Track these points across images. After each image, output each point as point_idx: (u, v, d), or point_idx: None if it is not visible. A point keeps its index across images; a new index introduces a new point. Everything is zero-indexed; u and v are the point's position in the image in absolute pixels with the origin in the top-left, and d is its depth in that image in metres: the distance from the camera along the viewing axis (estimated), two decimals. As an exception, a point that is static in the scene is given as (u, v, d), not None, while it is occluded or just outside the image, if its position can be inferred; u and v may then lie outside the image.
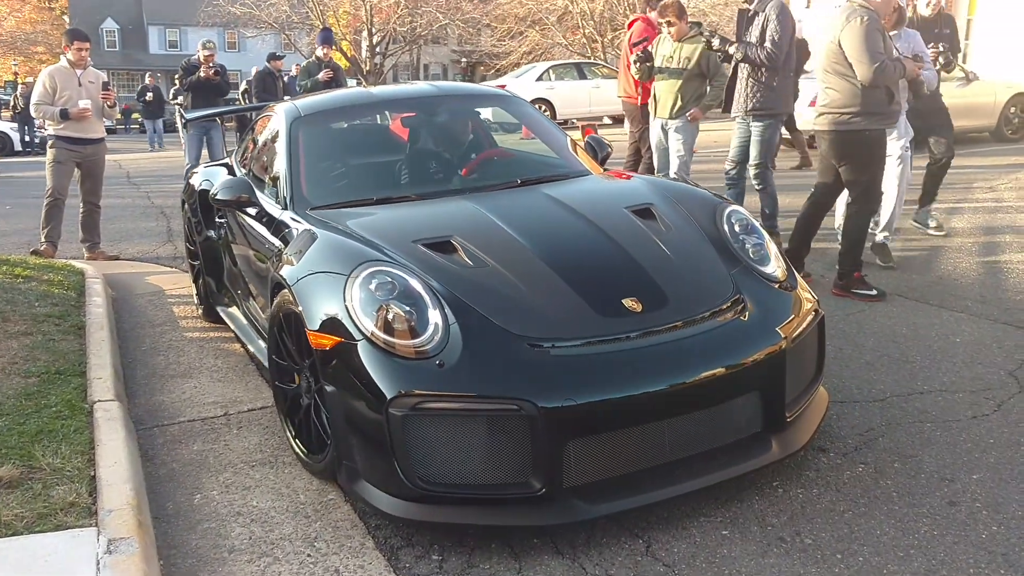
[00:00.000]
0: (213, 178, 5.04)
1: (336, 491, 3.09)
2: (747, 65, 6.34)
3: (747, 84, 6.38)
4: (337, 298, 2.87)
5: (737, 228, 3.48)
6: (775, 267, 3.34)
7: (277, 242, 3.66)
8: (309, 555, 2.70)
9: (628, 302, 2.93)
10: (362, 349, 2.73)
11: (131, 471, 3.01)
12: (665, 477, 2.75)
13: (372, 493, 2.75)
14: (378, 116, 4.98)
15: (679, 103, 6.82)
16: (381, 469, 2.71)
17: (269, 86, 13.19)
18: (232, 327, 4.71)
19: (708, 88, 6.83)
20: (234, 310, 4.78)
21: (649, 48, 7.11)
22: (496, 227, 3.35)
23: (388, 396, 2.62)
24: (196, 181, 5.38)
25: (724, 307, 3.03)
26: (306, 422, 3.17)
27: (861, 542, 2.62)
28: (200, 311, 5.43)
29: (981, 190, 8.96)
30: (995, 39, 16.32)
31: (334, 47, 11.00)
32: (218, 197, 4.02)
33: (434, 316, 2.77)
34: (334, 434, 2.88)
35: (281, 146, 4.14)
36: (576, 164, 4.32)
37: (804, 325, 3.12)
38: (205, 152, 10.52)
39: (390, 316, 2.76)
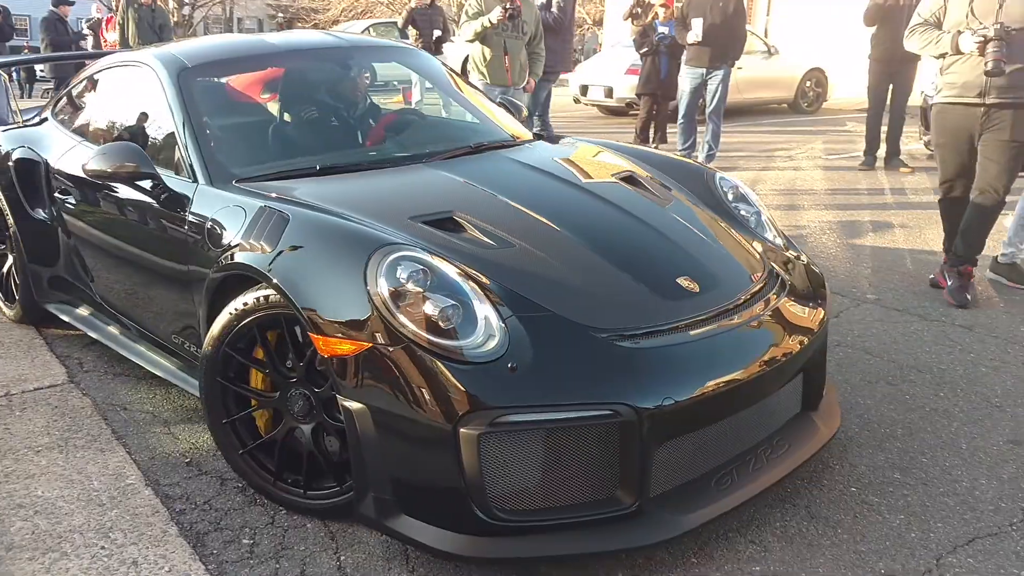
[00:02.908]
0: (39, 145, 4.08)
1: (136, 475, 2.84)
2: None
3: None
4: (356, 292, 2.29)
5: (731, 196, 3.30)
6: (776, 235, 3.18)
7: (198, 225, 2.91)
8: (103, 547, 2.46)
9: (684, 282, 2.61)
10: (404, 356, 2.21)
11: None
12: (742, 474, 2.46)
13: (423, 531, 2.26)
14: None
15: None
16: (442, 501, 2.23)
17: (62, 32, 12.10)
18: (93, 334, 3.80)
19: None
20: (86, 310, 3.91)
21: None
22: (496, 200, 2.90)
23: (458, 412, 2.14)
24: (5, 146, 4.26)
25: (766, 282, 2.79)
26: (279, 453, 2.63)
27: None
28: (9, 312, 4.38)
29: (780, 159, 9.50)
30: (793, 14, 17.38)
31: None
32: (95, 168, 3.05)
33: (482, 309, 2.28)
34: (359, 462, 2.31)
35: (164, 105, 3.33)
36: (514, 128, 3.87)
37: (828, 295, 2.97)
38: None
39: (430, 312, 2.24)
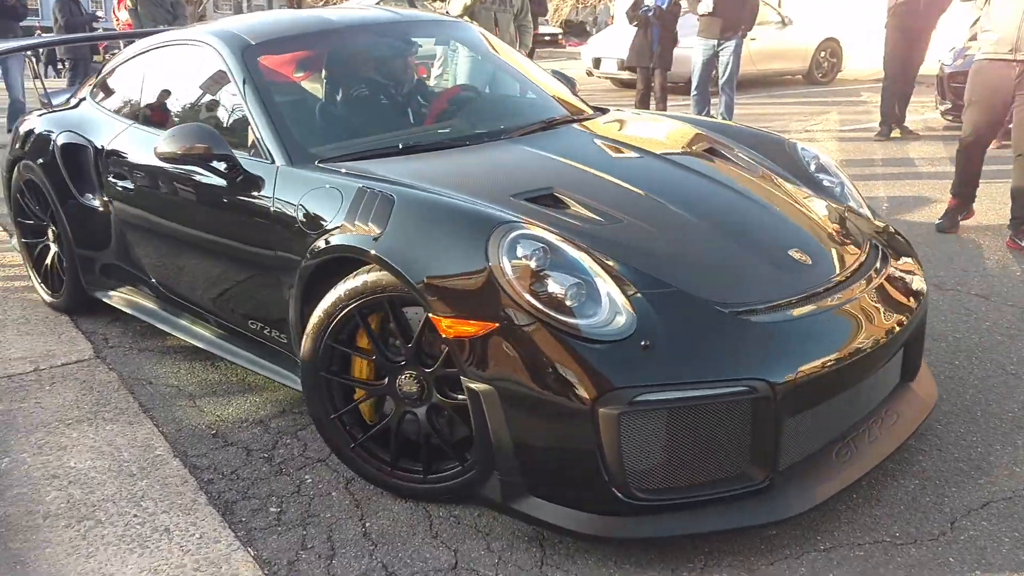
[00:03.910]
0: (85, 129, 3.96)
1: (164, 446, 2.92)
2: None
3: None
4: (478, 272, 2.26)
5: (813, 166, 3.27)
6: (861, 205, 3.17)
7: (286, 208, 2.81)
8: (136, 515, 2.54)
9: (796, 255, 2.60)
10: (533, 335, 2.18)
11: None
12: (860, 445, 2.48)
13: (554, 512, 2.26)
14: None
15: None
16: (577, 481, 2.22)
17: (76, 13, 12.10)
18: (152, 320, 3.71)
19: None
20: (143, 298, 3.80)
21: None
22: (589, 174, 2.88)
23: (597, 392, 2.11)
24: (46, 131, 4.14)
25: (868, 254, 2.76)
26: (386, 436, 2.59)
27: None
28: (52, 300, 4.27)
29: (795, 130, 9.46)
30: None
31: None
32: (167, 150, 2.96)
33: (604, 286, 2.25)
34: (484, 444, 2.30)
35: (229, 84, 3.25)
36: (575, 102, 3.82)
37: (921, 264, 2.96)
38: None
39: (554, 290, 2.22)
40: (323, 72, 3.75)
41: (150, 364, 3.61)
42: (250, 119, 3.10)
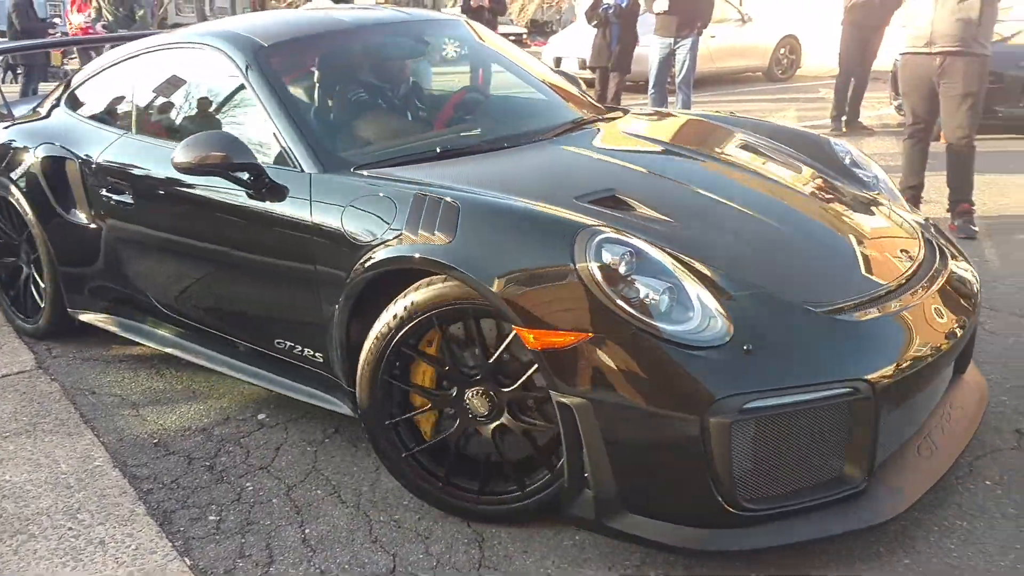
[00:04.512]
0: (66, 140, 3.70)
1: (104, 456, 2.87)
2: None
3: None
4: (566, 279, 2.14)
5: (848, 161, 3.25)
6: (900, 197, 3.20)
7: (327, 219, 2.64)
8: (70, 528, 2.50)
9: (865, 251, 2.59)
10: (630, 344, 2.07)
11: None
12: (937, 439, 2.43)
13: (655, 528, 2.15)
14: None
15: None
16: (682, 495, 2.13)
17: (33, 18, 11.93)
18: (153, 344, 3.47)
19: None
20: (143, 320, 3.54)
21: None
22: (643, 175, 2.82)
23: (706, 401, 2.02)
24: (21, 144, 3.86)
25: (927, 248, 2.72)
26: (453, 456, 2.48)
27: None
28: (27, 326, 3.96)
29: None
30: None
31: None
32: (186, 160, 2.77)
33: (693, 290, 2.16)
34: (575, 461, 2.18)
35: (244, 90, 3.07)
36: (591, 102, 3.78)
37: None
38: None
39: (646, 296, 2.12)
40: (338, 75, 3.58)
41: (94, 373, 3.56)
42: (273, 126, 2.91)
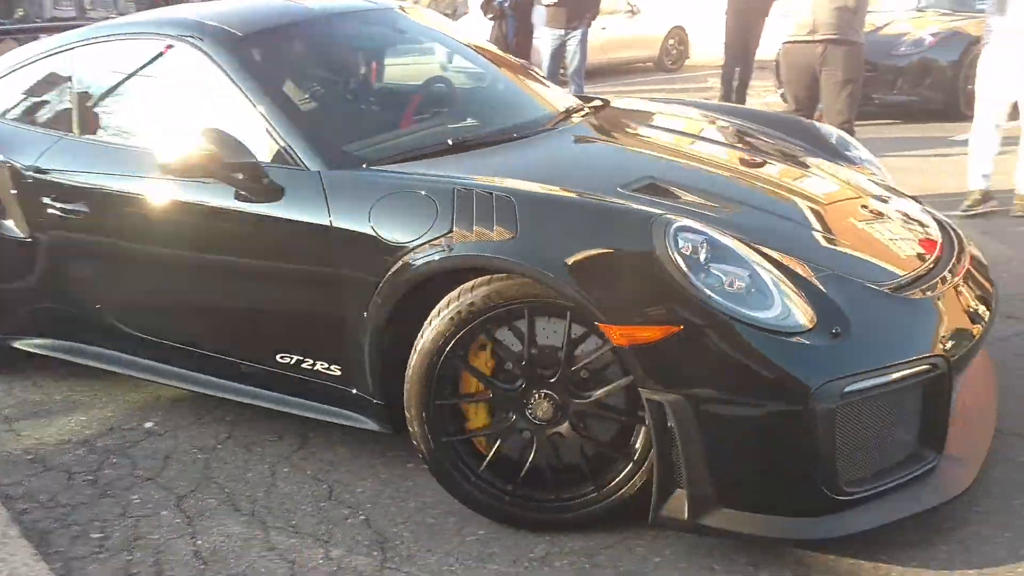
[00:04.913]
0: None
1: (-26, 477, 2.69)
2: None
3: None
4: (649, 270, 2.06)
5: (835, 140, 3.35)
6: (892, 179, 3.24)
7: (350, 219, 2.44)
8: (-65, 556, 2.32)
9: (905, 230, 2.66)
10: (724, 334, 2.00)
11: None
12: (969, 418, 2.44)
13: (753, 521, 2.08)
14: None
15: None
16: (783, 484, 2.09)
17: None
18: (123, 370, 3.09)
19: None
20: (101, 342, 3.13)
21: None
22: (672, 162, 2.81)
23: (808, 387, 1.97)
24: None
25: (938, 226, 2.75)
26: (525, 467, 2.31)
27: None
28: None
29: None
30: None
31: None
32: (173, 161, 2.57)
33: (767, 275, 2.10)
34: (666, 459, 2.09)
35: (224, 84, 2.79)
36: (563, 91, 3.71)
37: None
38: None
39: (728, 284, 2.05)
40: (323, 66, 3.40)
41: (-38, 388, 3.33)
42: (266, 123, 2.68)
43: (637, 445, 2.20)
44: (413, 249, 2.31)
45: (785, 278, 2.12)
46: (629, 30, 13.51)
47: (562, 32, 8.42)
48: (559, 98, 3.48)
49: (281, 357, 2.69)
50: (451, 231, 2.27)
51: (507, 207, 2.24)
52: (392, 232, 2.38)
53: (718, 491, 2.07)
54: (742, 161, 2.99)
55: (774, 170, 2.95)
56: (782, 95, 9.14)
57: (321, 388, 2.64)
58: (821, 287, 2.16)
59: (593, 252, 2.12)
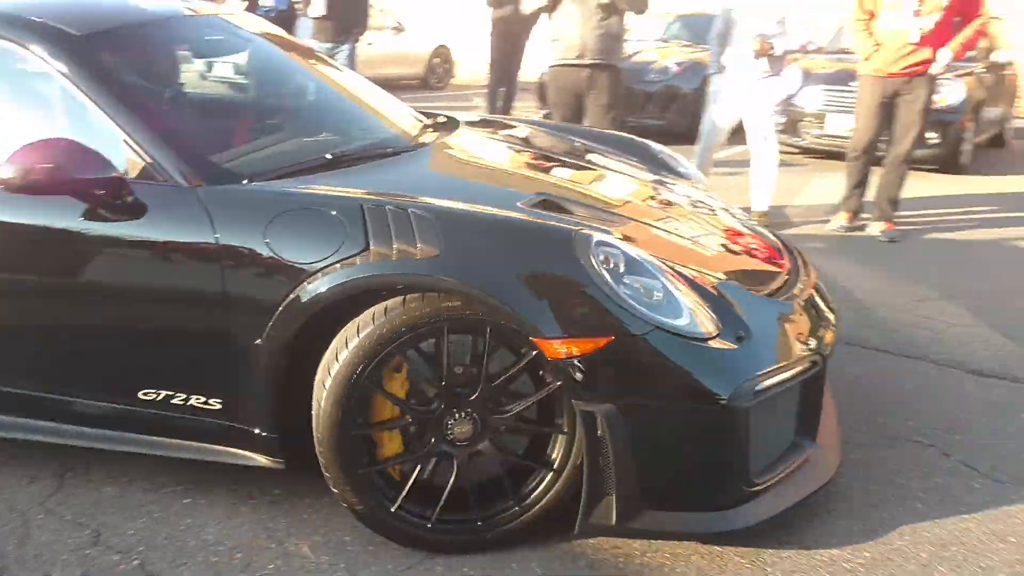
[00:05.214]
0: None
1: None
2: None
3: None
4: (578, 284, 2.10)
5: (665, 158, 3.58)
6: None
7: (240, 239, 2.26)
8: None
9: (758, 246, 2.90)
10: (650, 343, 2.08)
11: None
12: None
13: (675, 520, 2.22)
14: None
15: None
16: (705, 482, 2.23)
17: None
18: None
19: None
20: None
21: None
22: (550, 178, 3.00)
23: (728, 389, 2.11)
24: None
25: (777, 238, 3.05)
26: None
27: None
28: None
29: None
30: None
31: None
32: (15, 177, 2.23)
33: (672, 286, 2.20)
34: (597, 468, 2.14)
35: (71, 90, 2.46)
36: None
37: None
38: None
39: (645, 295, 2.14)
40: (174, 72, 3.17)
41: None
42: (123, 134, 2.39)
43: (555, 455, 2.25)
44: (321, 270, 2.19)
45: (689, 288, 2.25)
46: (395, 47, 13.59)
47: (329, 46, 8.28)
48: (410, 114, 3.46)
49: (145, 394, 2.43)
50: (366, 249, 2.17)
51: (427, 224, 2.19)
52: (294, 252, 2.23)
53: (644, 494, 2.19)
54: (602, 178, 3.17)
55: (634, 186, 3.13)
56: (545, 115, 9.55)
57: (193, 424, 2.42)
58: (717, 295, 2.31)
59: (523, 268, 2.15)
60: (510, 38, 8.92)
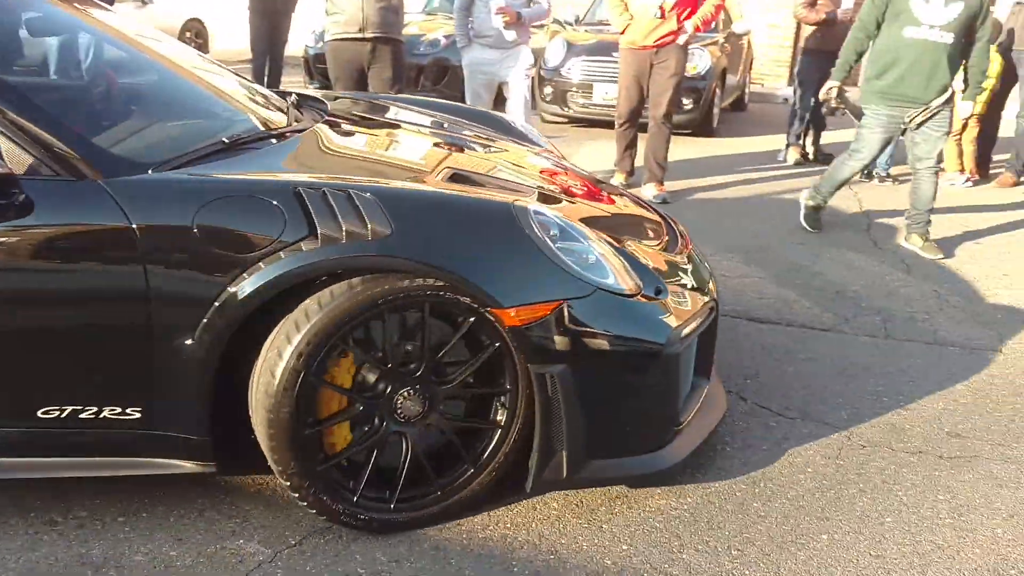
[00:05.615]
0: None
1: None
2: None
3: None
4: (526, 253, 2.22)
5: (522, 129, 3.83)
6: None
7: (164, 234, 2.09)
8: None
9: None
10: (595, 303, 2.24)
11: None
12: None
13: (619, 466, 2.40)
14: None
15: None
16: (645, 427, 2.42)
17: None
18: None
19: None
20: None
21: None
22: (446, 150, 3.07)
23: (664, 338, 2.32)
24: None
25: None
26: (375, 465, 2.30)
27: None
28: None
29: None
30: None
31: None
32: None
33: (597, 249, 2.36)
34: (550, 426, 2.25)
35: None
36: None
37: None
38: None
39: (584, 258, 2.30)
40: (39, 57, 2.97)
41: None
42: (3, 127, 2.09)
43: (500, 415, 2.33)
44: (262, 259, 2.09)
45: (611, 250, 2.40)
46: (145, 19, 12.61)
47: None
48: (266, 92, 3.30)
49: (45, 412, 2.18)
50: (311, 234, 2.09)
51: (372, 205, 2.16)
52: (228, 243, 2.11)
53: (590, 447, 2.32)
54: (480, 150, 3.25)
55: (512, 156, 3.21)
56: (316, 89, 9.29)
57: (103, 438, 2.23)
58: (630, 253, 2.49)
59: (474, 243, 2.23)
60: (271, 17, 8.55)
